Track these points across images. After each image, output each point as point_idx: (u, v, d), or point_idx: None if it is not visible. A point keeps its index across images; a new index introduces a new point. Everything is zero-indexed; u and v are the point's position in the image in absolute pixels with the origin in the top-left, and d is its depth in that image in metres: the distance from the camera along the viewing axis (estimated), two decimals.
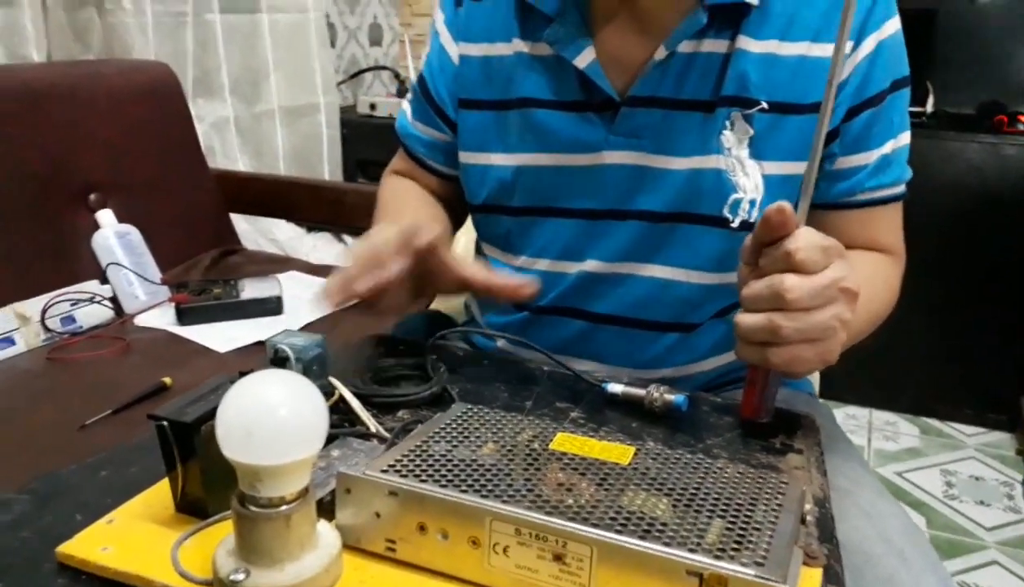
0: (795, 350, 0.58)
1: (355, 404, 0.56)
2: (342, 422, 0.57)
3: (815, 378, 1.07)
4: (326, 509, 0.46)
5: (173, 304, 1.35)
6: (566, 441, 0.50)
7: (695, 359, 0.86)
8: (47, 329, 1.27)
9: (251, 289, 1.41)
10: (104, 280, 1.40)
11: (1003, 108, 2.24)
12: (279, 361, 0.56)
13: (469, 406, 0.54)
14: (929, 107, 2.29)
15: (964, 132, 2.14)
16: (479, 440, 0.50)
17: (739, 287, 0.61)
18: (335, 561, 0.42)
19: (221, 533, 0.43)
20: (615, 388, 0.66)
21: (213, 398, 0.47)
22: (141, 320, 1.36)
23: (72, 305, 1.31)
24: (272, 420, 0.39)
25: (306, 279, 1.61)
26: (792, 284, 0.56)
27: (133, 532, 0.46)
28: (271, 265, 1.68)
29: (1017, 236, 2.11)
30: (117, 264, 1.41)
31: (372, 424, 0.54)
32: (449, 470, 0.45)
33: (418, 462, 0.46)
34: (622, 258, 0.82)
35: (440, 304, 1.16)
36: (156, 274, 1.46)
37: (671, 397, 0.63)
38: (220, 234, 1.76)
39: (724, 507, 0.44)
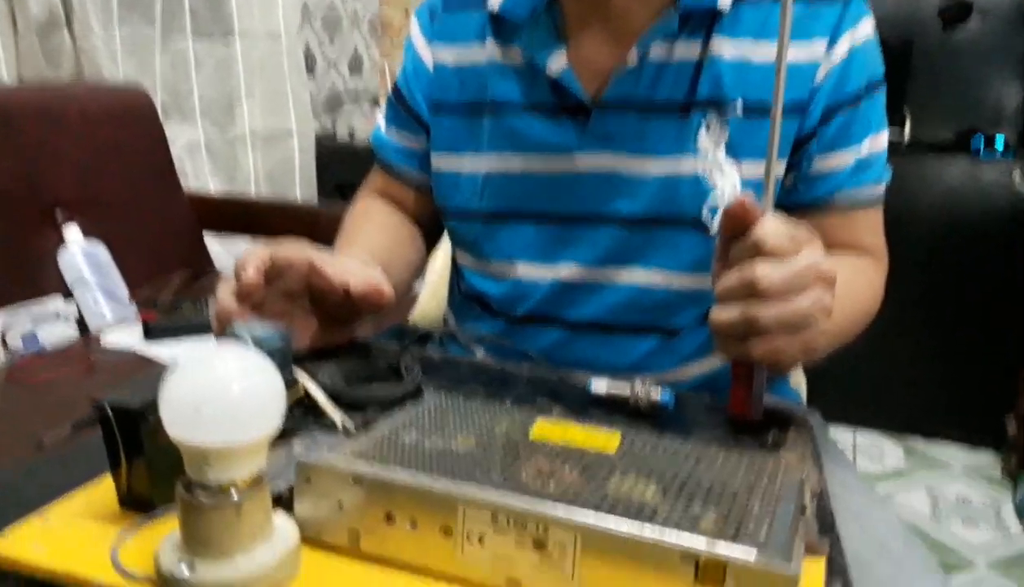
0: (776, 341, 0.54)
1: (320, 396, 0.52)
2: (307, 418, 0.53)
3: (802, 392, 1.04)
4: (286, 506, 0.42)
5: (141, 323, 1.31)
6: (547, 429, 0.46)
7: (678, 364, 0.83)
8: (7, 347, 1.22)
9: None
10: (69, 297, 1.35)
11: (979, 133, 2.26)
12: None
13: (444, 395, 0.50)
14: (907, 134, 2.31)
15: (942, 156, 2.15)
16: (453, 430, 0.46)
17: (713, 284, 0.58)
18: (292, 554, 0.38)
19: (169, 529, 0.39)
20: (599, 386, 0.62)
21: None
22: (107, 339, 1.31)
23: (34, 323, 1.26)
24: (223, 395, 0.36)
25: None
26: (764, 272, 0.53)
27: (70, 529, 0.42)
28: None
29: (997, 257, 2.12)
30: (83, 280, 1.36)
31: (338, 417, 0.50)
32: (419, 457, 0.42)
33: (386, 450, 0.42)
34: (599, 263, 0.80)
35: (418, 318, 1.12)
36: (124, 293, 1.42)
37: (656, 396, 0.60)
38: (192, 255, 1.72)
39: (719, 493, 0.40)
